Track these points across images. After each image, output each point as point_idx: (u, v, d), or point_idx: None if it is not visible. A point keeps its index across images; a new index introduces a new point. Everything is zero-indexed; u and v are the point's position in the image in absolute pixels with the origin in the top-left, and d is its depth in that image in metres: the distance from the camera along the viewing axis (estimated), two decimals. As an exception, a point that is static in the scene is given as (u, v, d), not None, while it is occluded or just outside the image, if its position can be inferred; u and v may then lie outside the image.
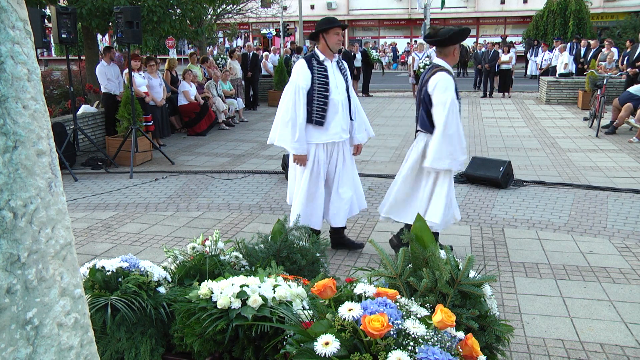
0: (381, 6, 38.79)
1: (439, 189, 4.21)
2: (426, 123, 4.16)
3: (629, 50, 12.51)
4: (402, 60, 33.27)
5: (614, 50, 14.51)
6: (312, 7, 39.34)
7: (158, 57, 15.26)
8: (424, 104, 4.14)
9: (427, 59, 16.29)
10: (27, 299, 1.07)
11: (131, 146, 7.90)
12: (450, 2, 28.90)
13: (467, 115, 12.98)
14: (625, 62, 12.39)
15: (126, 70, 9.30)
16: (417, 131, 4.34)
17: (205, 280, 2.24)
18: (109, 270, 2.38)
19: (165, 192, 6.75)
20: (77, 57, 13.38)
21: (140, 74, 9.41)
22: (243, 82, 14.25)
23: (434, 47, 4.36)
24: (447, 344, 1.75)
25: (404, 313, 1.83)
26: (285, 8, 32.55)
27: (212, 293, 2.16)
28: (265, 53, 18.00)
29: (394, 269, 2.24)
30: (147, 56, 11.74)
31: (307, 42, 29.90)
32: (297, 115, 4.16)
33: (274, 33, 36.01)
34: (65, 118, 8.87)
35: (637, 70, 11.38)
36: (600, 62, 14.15)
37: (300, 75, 4.18)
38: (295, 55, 15.76)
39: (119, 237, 5.20)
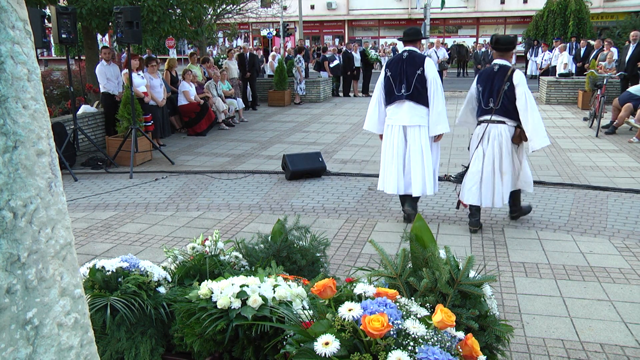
0: (381, 6, 38.79)
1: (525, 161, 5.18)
2: (510, 112, 4.88)
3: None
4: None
5: (614, 50, 14.51)
6: (312, 7, 39.32)
7: (158, 57, 15.27)
8: (508, 96, 4.86)
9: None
10: (27, 299, 1.07)
11: (131, 146, 7.90)
12: (450, 2, 28.91)
13: (467, 115, 12.97)
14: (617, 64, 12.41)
15: (125, 71, 9.31)
16: (489, 123, 4.96)
17: (205, 280, 2.24)
18: (109, 270, 2.38)
19: (165, 192, 6.75)
20: (77, 57, 13.38)
21: (139, 74, 9.40)
22: (240, 82, 14.24)
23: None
24: (447, 344, 1.75)
25: (404, 313, 1.83)
26: (285, 8, 32.53)
27: (212, 293, 2.16)
28: (273, 54, 18.03)
29: (394, 269, 2.24)
30: (148, 56, 11.73)
31: (307, 43, 29.94)
32: None
33: (274, 33, 36.01)
34: (65, 118, 8.87)
35: None
36: (600, 62, 14.15)
37: None
38: (296, 56, 15.75)
39: (119, 237, 5.20)
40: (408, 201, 5.39)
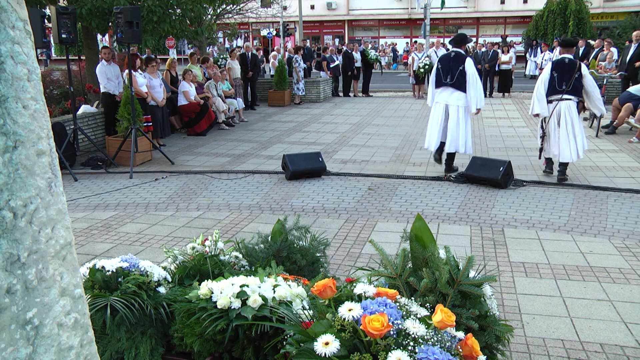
0: (381, 6, 38.78)
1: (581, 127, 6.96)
2: (577, 92, 6.77)
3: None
4: (404, 60, 33.30)
5: (614, 50, 14.49)
6: (312, 7, 39.30)
7: (158, 57, 15.26)
8: (578, 81, 6.74)
9: (427, 58, 16.28)
10: (27, 299, 1.07)
11: (131, 146, 7.90)
12: (450, 2, 28.88)
13: (467, 115, 12.98)
14: (618, 64, 12.39)
15: (127, 71, 9.29)
16: (561, 100, 6.80)
17: (205, 280, 2.24)
18: (109, 270, 2.38)
19: (165, 192, 6.75)
20: (77, 57, 13.37)
21: (140, 74, 9.40)
22: (242, 82, 14.23)
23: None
24: (447, 344, 1.75)
25: (404, 313, 1.83)
26: (285, 8, 32.53)
27: (212, 293, 2.16)
28: (274, 53, 18.00)
29: (394, 269, 2.24)
30: (147, 56, 11.73)
31: (308, 43, 29.81)
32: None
33: (274, 33, 35.99)
34: (65, 118, 8.87)
35: None
36: (600, 62, 14.13)
37: None
38: (294, 56, 15.73)
39: (119, 237, 5.20)
40: (439, 155, 7.43)
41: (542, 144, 7.15)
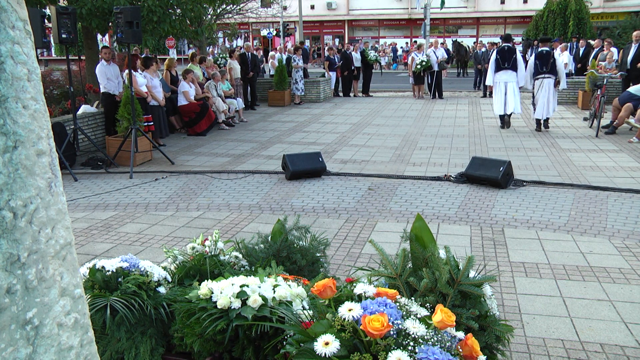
0: (381, 6, 38.77)
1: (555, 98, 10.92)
2: (554, 72, 10.43)
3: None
4: (404, 60, 33.32)
5: (614, 50, 14.49)
6: (312, 7, 39.29)
7: (158, 57, 15.25)
8: (554, 65, 10.43)
9: (425, 57, 16.28)
10: (27, 299, 1.07)
11: (131, 146, 7.90)
12: (450, 2, 28.89)
13: (467, 115, 12.98)
14: (618, 64, 12.42)
15: (127, 71, 9.29)
16: (543, 78, 10.50)
17: (205, 280, 2.24)
18: (109, 270, 2.38)
19: (165, 192, 6.75)
20: (77, 57, 13.37)
21: (140, 74, 9.40)
22: (242, 82, 14.23)
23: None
24: (447, 344, 1.75)
25: (404, 313, 1.83)
26: (285, 8, 32.53)
27: (212, 293, 2.16)
28: (272, 53, 17.96)
29: (394, 269, 2.24)
30: (145, 56, 11.74)
31: (307, 42, 29.86)
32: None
33: (274, 33, 35.99)
34: (65, 118, 8.87)
35: None
36: (600, 62, 14.13)
37: None
38: (293, 56, 15.72)
39: (119, 237, 5.20)
40: (504, 118, 11.04)
41: (534, 108, 10.76)
